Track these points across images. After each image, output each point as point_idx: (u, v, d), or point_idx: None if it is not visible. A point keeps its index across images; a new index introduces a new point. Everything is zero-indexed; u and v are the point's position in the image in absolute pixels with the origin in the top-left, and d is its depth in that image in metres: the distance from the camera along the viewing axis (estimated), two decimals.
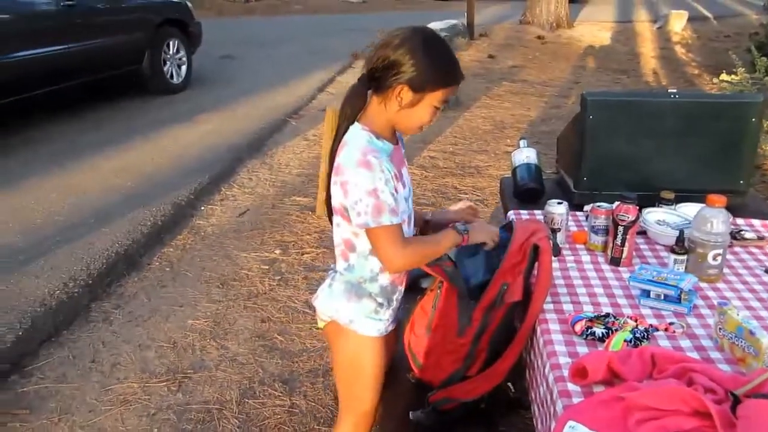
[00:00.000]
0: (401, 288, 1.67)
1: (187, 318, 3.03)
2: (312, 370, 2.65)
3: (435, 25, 9.51)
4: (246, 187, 4.61)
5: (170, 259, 3.60)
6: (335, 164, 1.51)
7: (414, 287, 1.77)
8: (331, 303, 1.63)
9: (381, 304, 1.62)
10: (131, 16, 6.42)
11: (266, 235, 3.86)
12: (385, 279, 1.61)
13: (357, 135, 1.51)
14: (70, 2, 5.57)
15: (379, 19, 12.79)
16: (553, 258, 1.60)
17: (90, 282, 3.19)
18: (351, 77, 8.18)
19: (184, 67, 7.23)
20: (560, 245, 1.92)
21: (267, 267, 3.49)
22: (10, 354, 2.67)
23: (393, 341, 1.75)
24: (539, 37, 11.39)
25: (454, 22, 10.28)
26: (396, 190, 1.48)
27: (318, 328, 1.78)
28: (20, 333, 2.76)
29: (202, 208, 4.25)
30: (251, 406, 2.45)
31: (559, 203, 1.95)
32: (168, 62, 6.93)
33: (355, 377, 1.69)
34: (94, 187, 4.31)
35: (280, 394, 2.51)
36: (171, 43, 6.97)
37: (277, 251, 3.66)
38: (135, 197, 4.16)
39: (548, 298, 1.60)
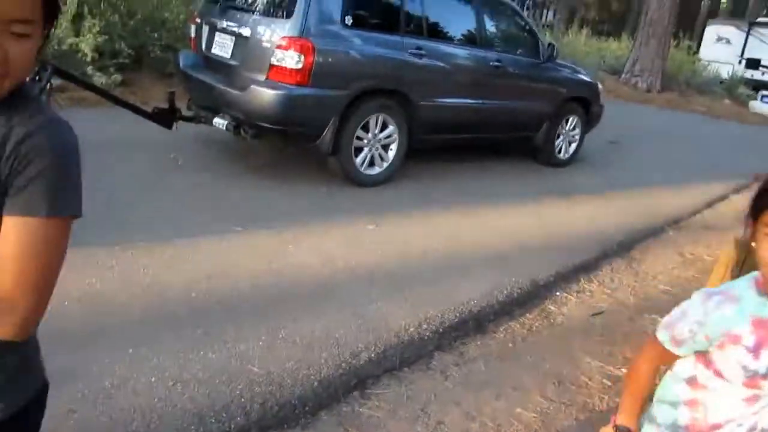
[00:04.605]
0: None
1: (516, 405, 2.94)
2: None
3: None
4: (606, 287, 4.38)
5: (515, 335, 3.56)
6: None
7: None
8: None
9: None
10: (545, 86, 6.70)
11: (615, 348, 3.57)
12: (684, 417, 1.40)
13: (743, 295, 1.35)
14: (498, 63, 6.03)
15: None
16: None
17: (440, 331, 3.32)
18: (746, 199, 7.29)
19: (574, 145, 7.26)
20: None
21: (610, 384, 3.22)
22: (359, 371, 2.90)
23: None
24: None
25: None
26: (723, 347, 1.31)
27: None
28: (372, 356, 2.98)
29: (558, 293, 4.15)
30: None
31: None
32: (561, 136, 7.04)
33: None
34: (467, 237, 4.55)
35: None
36: (570, 118, 7.08)
37: (624, 370, 3.35)
38: (498, 259, 4.26)
39: None
